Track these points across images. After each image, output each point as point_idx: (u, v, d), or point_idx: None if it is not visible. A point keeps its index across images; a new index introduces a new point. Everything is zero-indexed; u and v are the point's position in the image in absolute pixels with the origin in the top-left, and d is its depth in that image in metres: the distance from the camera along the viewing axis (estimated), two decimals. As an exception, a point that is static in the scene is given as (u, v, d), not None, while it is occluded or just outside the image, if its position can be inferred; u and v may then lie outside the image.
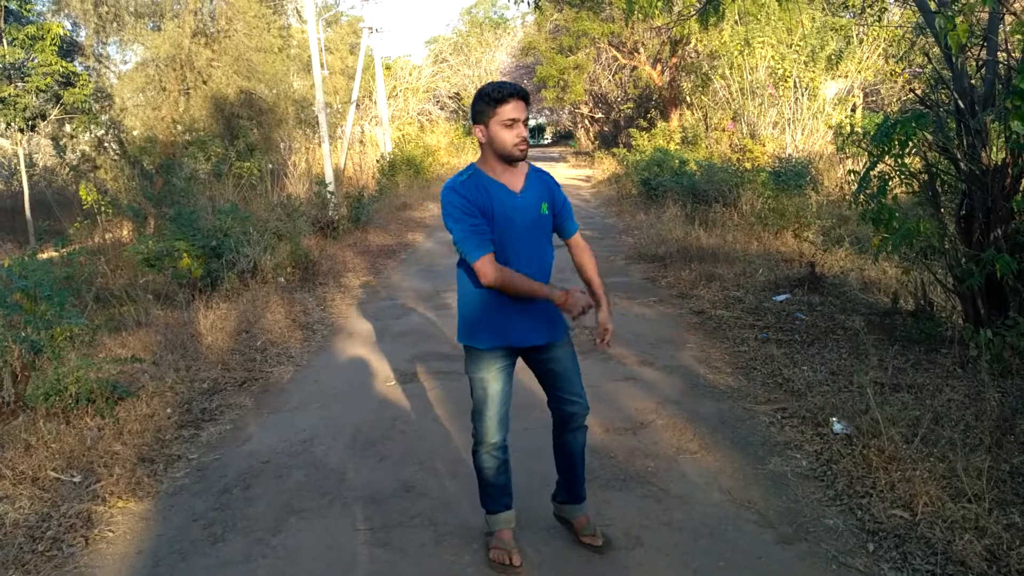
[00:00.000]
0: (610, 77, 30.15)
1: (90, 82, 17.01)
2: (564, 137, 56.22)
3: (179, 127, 18.34)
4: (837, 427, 4.26)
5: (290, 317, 7.35)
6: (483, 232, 2.78)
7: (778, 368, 5.41)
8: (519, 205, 2.89)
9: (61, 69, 15.13)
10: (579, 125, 40.85)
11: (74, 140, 18.50)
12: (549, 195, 3.01)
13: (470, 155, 29.21)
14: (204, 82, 18.44)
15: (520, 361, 3.11)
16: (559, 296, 2.84)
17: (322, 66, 16.28)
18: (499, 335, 2.96)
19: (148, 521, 3.68)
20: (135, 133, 18.71)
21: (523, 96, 2.78)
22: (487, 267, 2.77)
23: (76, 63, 17.89)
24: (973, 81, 5.46)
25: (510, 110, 2.75)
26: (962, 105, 5.30)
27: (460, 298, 3.05)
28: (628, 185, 17.39)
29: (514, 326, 2.95)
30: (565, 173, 27.88)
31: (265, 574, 3.19)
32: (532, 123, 61.81)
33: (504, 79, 41.01)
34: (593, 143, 35.41)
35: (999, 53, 5.34)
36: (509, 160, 2.84)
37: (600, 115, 34.13)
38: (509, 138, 2.77)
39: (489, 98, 2.77)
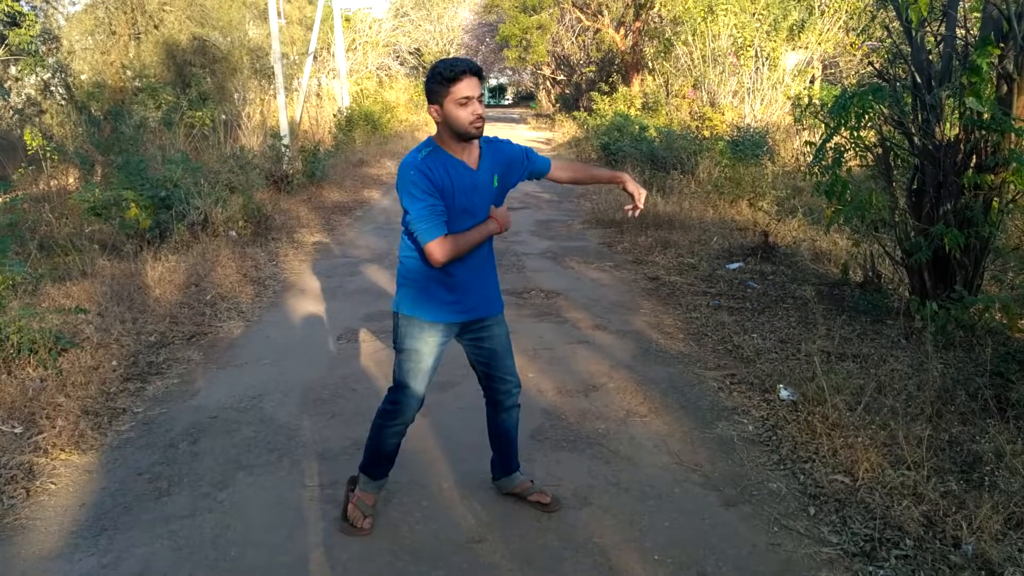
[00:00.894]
0: (573, 39, 29.94)
1: (36, 23, 16.34)
2: (525, 98, 55.82)
3: (129, 73, 17.77)
4: (784, 393, 4.34)
5: (241, 272, 7.23)
6: (440, 214, 2.72)
7: (729, 335, 5.48)
8: (478, 183, 2.84)
9: (6, 8, 14.50)
10: (541, 86, 40.60)
11: (19, 83, 17.82)
12: (502, 165, 2.96)
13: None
14: (155, 27, 17.88)
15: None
16: (495, 225, 2.88)
17: (279, 15, 15.86)
18: (446, 309, 2.92)
19: (91, 474, 3.62)
20: (83, 77, 18.09)
21: (476, 72, 2.70)
22: (437, 250, 2.71)
23: (22, 2, 17.17)
24: (931, 56, 5.52)
25: (464, 88, 2.65)
26: (919, 80, 5.37)
27: (405, 268, 2.96)
28: (588, 149, 17.35)
29: (460, 300, 2.92)
30: (526, 135, 27.71)
31: (211, 528, 3.16)
32: (493, 82, 61.14)
33: (466, 36, 40.57)
34: (554, 105, 35.22)
35: (958, 29, 5.40)
36: (466, 138, 2.76)
37: (562, 77, 33.92)
38: (465, 116, 2.68)
39: (442, 77, 2.66)
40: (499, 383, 3.14)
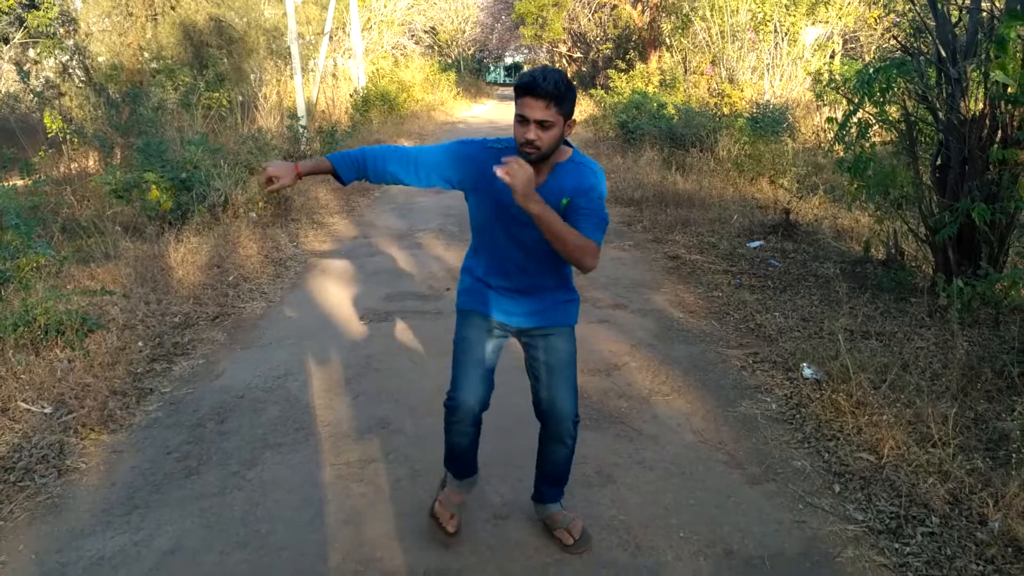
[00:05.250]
0: (590, 16, 29.66)
1: (54, 5, 16.40)
2: (541, 77, 55.28)
3: (146, 54, 17.80)
4: (807, 372, 4.33)
5: (262, 253, 7.27)
6: (418, 154, 2.61)
7: (751, 313, 5.47)
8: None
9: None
10: (557, 64, 40.29)
11: (38, 65, 17.92)
12: (575, 195, 2.58)
13: (444, 92, 28.80)
14: (172, 8, 17.87)
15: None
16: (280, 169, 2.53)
17: (295, -5, 15.81)
18: (478, 301, 2.76)
19: (121, 453, 3.67)
20: (101, 60, 18.13)
21: (543, 95, 2.33)
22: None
23: (39, -16, 17.23)
24: (956, 29, 5.44)
25: (522, 105, 2.38)
26: (944, 53, 5.29)
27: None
28: (605, 127, 17.25)
29: (496, 299, 2.73)
30: (541, 113, 27.52)
31: (240, 506, 3.21)
32: (509, 60, 60.74)
33: (482, 14, 40.27)
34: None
35: (983, 1, 5.32)
36: (524, 154, 2.44)
37: (579, 55, 33.66)
38: (517, 133, 2.43)
39: (515, 85, 2.41)
40: (546, 405, 2.79)
